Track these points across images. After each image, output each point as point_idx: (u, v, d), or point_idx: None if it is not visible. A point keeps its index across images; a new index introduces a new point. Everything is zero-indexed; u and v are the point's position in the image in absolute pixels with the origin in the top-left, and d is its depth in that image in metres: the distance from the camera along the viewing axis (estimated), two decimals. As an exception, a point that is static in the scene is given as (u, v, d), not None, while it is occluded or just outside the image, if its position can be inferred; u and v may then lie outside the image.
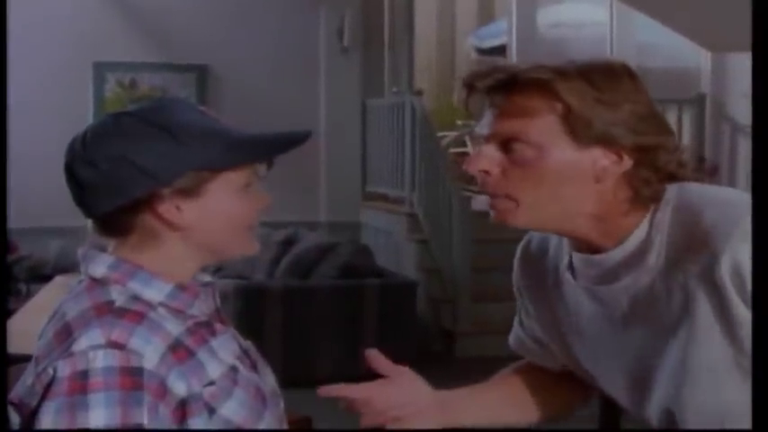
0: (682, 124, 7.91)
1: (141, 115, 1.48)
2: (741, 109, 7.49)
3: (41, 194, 6.92)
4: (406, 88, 8.21)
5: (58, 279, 3.15)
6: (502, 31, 9.38)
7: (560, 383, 1.83)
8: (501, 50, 9.27)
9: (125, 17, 8.03)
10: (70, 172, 1.48)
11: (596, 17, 8.70)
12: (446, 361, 6.41)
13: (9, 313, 3.16)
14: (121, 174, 1.44)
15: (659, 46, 8.29)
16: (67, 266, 6.85)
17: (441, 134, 7.84)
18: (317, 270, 6.30)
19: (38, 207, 7.15)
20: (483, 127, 1.55)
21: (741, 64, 7.24)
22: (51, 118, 7.47)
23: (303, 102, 8.13)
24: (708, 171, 7.60)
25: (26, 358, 2.58)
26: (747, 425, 1.48)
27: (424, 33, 11.52)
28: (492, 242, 6.01)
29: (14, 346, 2.56)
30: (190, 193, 1.47)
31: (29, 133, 7.13)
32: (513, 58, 8.33)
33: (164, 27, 8.06)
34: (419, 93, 7.72)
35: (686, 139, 7.95)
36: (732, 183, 7.84)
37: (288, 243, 6.88)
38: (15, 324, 2.90)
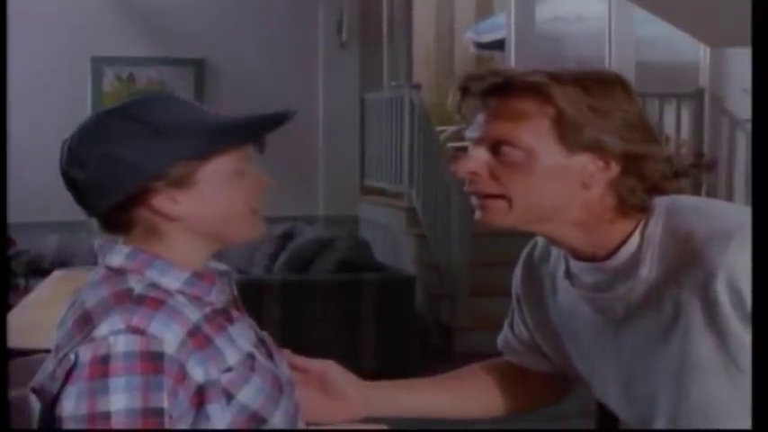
0: (680, 119, 7.91)
1: (123, 112, 1.50)
2: (740, 103, 7.49)
3: (39, 189, 6.92)
4: (404, 82, 8.20)
5: (57, 273, 3.14)
6: (500, 26, 9.35)
7: (534, 381, 1.87)
8: (500, 45, 9.25)
9: (123, 11, 8.02)
10: (65, 175, 1.51)
11: (595, 11, 8.70)
12: (444, 356, 6.41)
13: (8, 308, 3.15)
14: (110, 171, 1.46)
15: (658, 40, 8.29)
16: (66, 261, 6.86)
17: (439, 128, 7.83)
18: (315, 264, 6.30)
19: (36, 202, 7.14)
20: (473, 130, 1.56)
21: (740, 58, 7.24)
22: (50, 113, 7.46)
23: (301, 96, 8.11)
24: (706, 166, 7.60)
25: (24, 353, 2.59)
26: (734, 427, 1.51)
27: (423, 27, 11.52)
28: (491, 237, 6.01)
29: (13, 340, 2.57)
30: (182, 183, 1.48)
31: (27, 128, 7.13)
32: (511, 52, 8.32)
33: (161, 21, 8.06)
34: (417, 87, 7.71)
35: (685, 133, 7.95)
36: (730, 177, 7.84)
37: (286, 237, 6.89)
38: (14, 319, 2.90)
